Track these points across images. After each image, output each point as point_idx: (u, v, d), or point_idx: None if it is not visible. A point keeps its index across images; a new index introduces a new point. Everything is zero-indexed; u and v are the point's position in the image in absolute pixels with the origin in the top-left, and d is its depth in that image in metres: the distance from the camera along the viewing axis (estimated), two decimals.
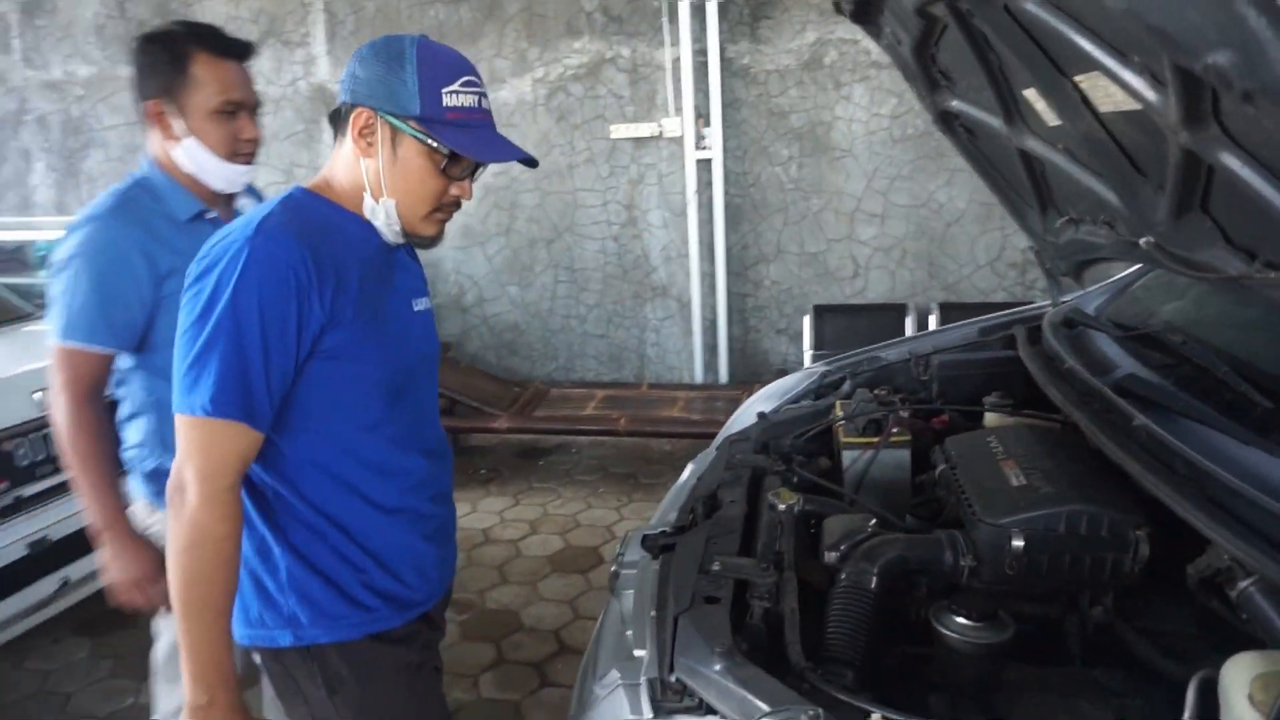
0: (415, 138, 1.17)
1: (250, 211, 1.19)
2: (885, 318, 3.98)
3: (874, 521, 1.29)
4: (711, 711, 0.97)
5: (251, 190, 1.68)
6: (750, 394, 3.78)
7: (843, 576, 1.17)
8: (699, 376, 4.33)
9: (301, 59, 4.56)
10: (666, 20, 3.97)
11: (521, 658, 2.67)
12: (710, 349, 4.33)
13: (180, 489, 1.09)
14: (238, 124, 1.52)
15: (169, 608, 1.50)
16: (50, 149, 5.17)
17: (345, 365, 1.19)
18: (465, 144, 1.18)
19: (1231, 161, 0.79)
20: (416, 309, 1.34)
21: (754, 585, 1.17)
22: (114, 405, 1.60)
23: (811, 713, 0.88)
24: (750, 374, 4.33)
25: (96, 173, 5.10)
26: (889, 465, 1.64)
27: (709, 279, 4.24)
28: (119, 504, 1.55)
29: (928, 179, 3.90)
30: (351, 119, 1.18)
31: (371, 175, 1.20)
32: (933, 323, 3.88)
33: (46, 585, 2.31)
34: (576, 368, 4.59)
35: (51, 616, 2.44)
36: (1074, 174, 1.39)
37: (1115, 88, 0.99)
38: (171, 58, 1.47)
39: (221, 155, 1.52)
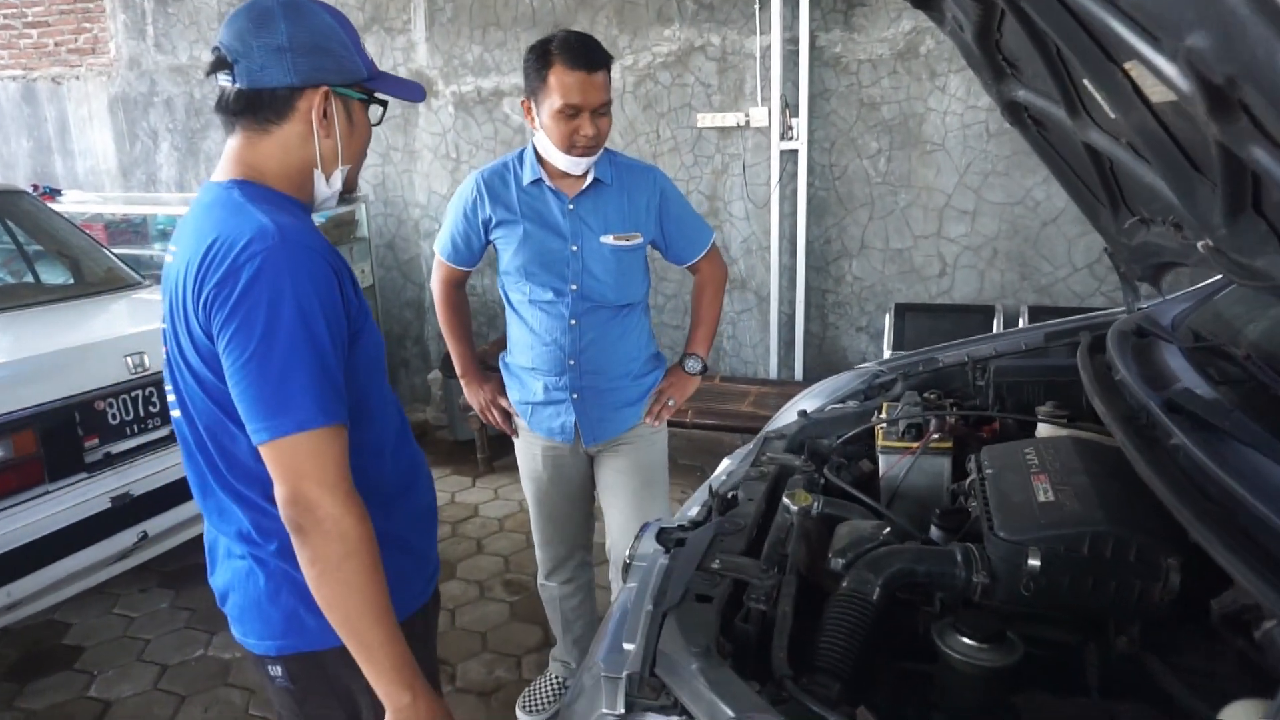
0: (362, 101, 1.20)
1: (218, 219, 1.11)
2: (971, 319, 3.80)
3: (888, 530, 1.23)
4: (684, 712, 0.95)
5: (610, 167, 2.00)
6: None
7: (844, 584, 1.13)
8: (774, 372, 4.26)
9: (402, 45, 4.70)
10: (758, 7, 3.89)
11: None
12: (787, 344, 4.25)
13: (308, 511, 1.05)
14: (577, 123, 1.82)
15: (513, 432, 2.22)
16: (175, 129, 5.50)
17: (363, 338, 1.20)
18: (399, 89, 1.23)
19: (1263, 157, 0.71)
20: None
21: (751, 586, 1.14)
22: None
23: None
24: (826, 370, 4.21)
25: (214, 153, 5.40)
26: (928, 472, 1.57)
27: (789, 273, 4.15)
28: (471, 356, 2.20)
29: (1024, 175, 3.70)
30: (312, 105, 1.14)
31: (329, 152, 1.19)
32: (1021, 326, 3.69)
33: (126, 538, 2.48)
34: None
35: (133, 567, 2.61)
36: (1138, 171, 1.28)
37: (1153, 75, 0.90)
38: (537, 67, 1.81)
39: (560, 148, 1.86)
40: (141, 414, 2.59)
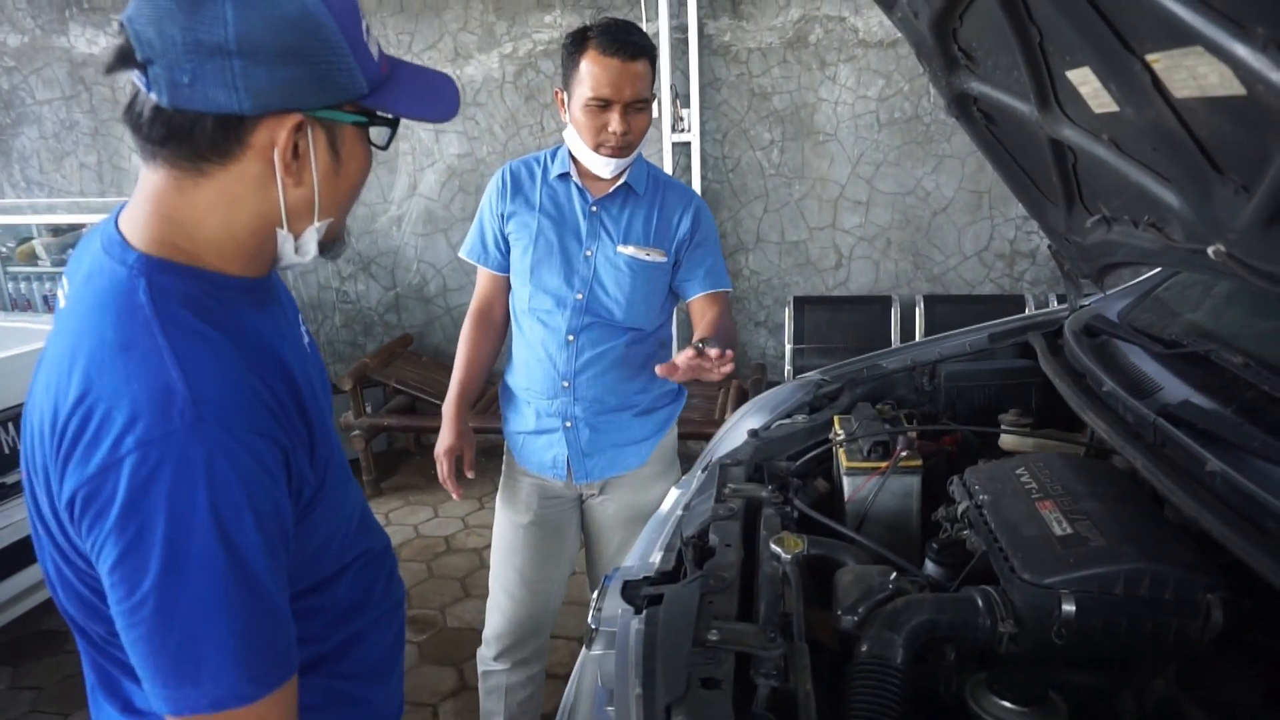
0: (358, 124, 0.79)
1: (98, 349, 0.71)
2: (868, 310, 3.82)
3: (895, 575, 1.11)
4: None
5: (646, 178, 1.81)
6: (729, 393, 3.61)
7: (863, 648, 0.99)
8: None
9: None
10: None
11: None
12: (685, 342, 4.13)
13: None
14: (606, 117, 1.64)
15: (456, 492, 1.87)
16: None
17: (319, 508, 0.86)
18: (419, 104, 0.81)
19: None
20: (305, 343, 0.95)
21: (758, 659, 0.99)
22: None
23: None
24: None
25: (29, 151, 4.76)
26: (896, 493, 1.47)
27: None
28: (463, 392, 1.89)
29: (914, 165, 3.73)
30: (275, 139, 0.73)
31: (298, 203, 0.79)
32: (918, 316, 3.73)
33: None
34: None
35: None
36: (1119, 169, 1.21)
37: (1208, 68, 0.81)
38: (571, 51, 1.64)
39: (588, 144, 1.68)
40: None
